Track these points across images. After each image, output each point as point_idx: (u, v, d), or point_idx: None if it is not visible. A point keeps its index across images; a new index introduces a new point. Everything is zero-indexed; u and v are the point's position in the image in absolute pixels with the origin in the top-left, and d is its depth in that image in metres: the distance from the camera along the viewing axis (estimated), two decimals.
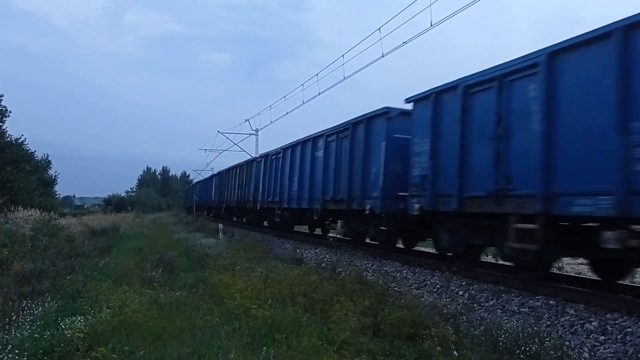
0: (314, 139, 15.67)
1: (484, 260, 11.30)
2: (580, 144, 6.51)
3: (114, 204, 69.63)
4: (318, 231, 18.93)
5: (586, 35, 6.48)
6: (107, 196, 79.06)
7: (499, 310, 6.95)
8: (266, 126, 51.73)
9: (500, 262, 9.71)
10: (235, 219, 31.98)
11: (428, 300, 7.74)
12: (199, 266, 11.40)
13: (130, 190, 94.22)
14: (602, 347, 5.39)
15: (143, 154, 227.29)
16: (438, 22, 12.52)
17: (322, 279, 8.62)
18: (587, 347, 5.49)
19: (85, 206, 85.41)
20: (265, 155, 21.55)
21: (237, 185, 26.93)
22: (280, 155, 19.01)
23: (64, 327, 5.42)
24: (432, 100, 9.50)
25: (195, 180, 64.54)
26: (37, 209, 23.46)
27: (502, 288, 7.68)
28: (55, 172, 44.61)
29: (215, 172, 37.85)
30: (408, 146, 10.47)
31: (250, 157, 24.76)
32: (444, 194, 9.01)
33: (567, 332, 5.89)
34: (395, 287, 8.70)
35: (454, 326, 5.99)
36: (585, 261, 13.32)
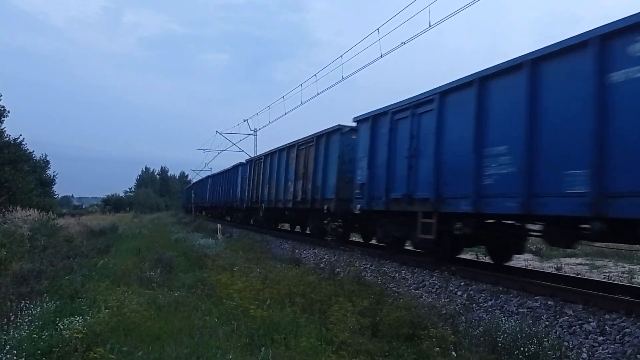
0: (607, 37, 6.04)
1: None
2: None
3: (112, 204, 69.53)
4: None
5: None
6: (105, 196, 79.01)
7: (498, 311, 6.95)
8: (265, 126, 51.87)
9: None
10: (277, 225, 22.42)
11: (427, 301, 7.74)
12: (197, 266, 11.39)
13: (128, 190, 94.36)
14: (601, 348, 5.40)
15: (141, 154, 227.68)
16: (437, 22, 12.49)
17: (320, 279, 8.61)
18: (585, 347, 5.49)
19: (83, 206, 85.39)
20: (374, 116, 11.51)
21: (293, 176, 17.10)
22: (433, 106, 9.24)
23: (62, 327, 5.41)
24: None
25: (193, 180, 64.00)
26: (35, 209, 23.50)
27: (500, 288, 7.68)
28: (54, 172, 44.76)
29: (244, 160, 27.10)
30: None
31: (326, 129, 14.64)
32: None
33: (565, 333, 5.90)
34: (393, 287, 8.71)
35: (453, 326, 5.99)
36: (584, 262, 13.40)
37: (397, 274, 9.86)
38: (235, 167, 28.23)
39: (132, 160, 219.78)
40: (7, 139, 30.04)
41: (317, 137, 15.46)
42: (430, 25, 12.76)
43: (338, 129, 14.15)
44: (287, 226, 22.98)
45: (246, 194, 24.07)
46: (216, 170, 40.25)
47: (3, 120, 29.84)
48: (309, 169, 15.73)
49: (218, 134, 41.75)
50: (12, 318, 5.87)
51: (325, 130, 14.91)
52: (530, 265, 12.27)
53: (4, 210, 22.42)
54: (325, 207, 14.00)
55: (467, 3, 11.60)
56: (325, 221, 13.08)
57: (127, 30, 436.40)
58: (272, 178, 19.74)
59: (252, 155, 33.52)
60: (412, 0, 12.75)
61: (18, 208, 22.37)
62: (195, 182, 54.72)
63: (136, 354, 4.85)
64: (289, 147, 18.15)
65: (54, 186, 45.19)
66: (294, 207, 17.03)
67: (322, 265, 11.61)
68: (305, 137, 16.49)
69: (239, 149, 42.66)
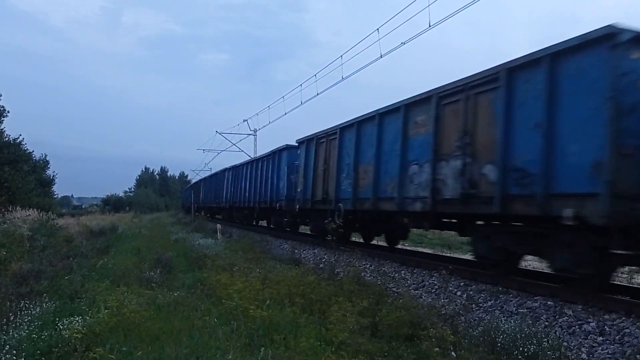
0: None
1: None
2: None
3: (112, 204, 69.60)
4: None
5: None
6: (105, 196, 79.11)
7: (497, 311, 6.95)
8: (264, 126, 51.58)
9: None
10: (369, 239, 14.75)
11: (426, 301, 7.75)
12: (197, 266, 11.37)
13: (128, 190, 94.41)
14: (600, 348, 5.40)
15: (141, 154, 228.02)
16: (436, 22, 12.40)
17: (320, 279, 8.61)
18: (585, 347, 5.50)
19: (83, 206, 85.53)
20: None
21: (430, 154, 9.33)
22: None
23: (61, 327, 5.41)
24: None
25: (193, 180, 63.63)
26: (35, 209, 23.49)
27: (500, 289, 7.69)
28: (54, 172, 44.89)
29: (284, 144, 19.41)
30: None
31: (554, 45, 6.74)
32: None
33: (565, 333, 5.90)
34: (393, 287, 8.71)
35: (452, 327, 5.99)
36: None
37: (396, 274, 9.87)
38: (276, 153, 20.24)
39: (132, 160, 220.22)
40: (6, 139, 30.09)
41: (510, 70, 7.54)
42: (430, 26, 12.70)
43: (607, 36, 6.14)
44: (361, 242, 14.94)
45: (299, 189, 16.23)
46: (216, 168, 38.76)
47: (3, 120, 29.94)
48: (483, 137, 8.08)
49: (218, 134, 41.70)
50: (12, 318, 5.87)
51: (544, 50, 6.96)
52: (529, 265, 12.26)
53: (3, 210, 22.43)
54: (570, 213, 6.42)
55: (467, 3, 11.57)
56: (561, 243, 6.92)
57: (126, 30, 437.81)
58: (363, 162, 12.13)
59: (253, 155, 33.14)
60: (412, 0, 12.75)
61: (18, 208, 22.38)
62: (205, 178, 45.64)
63: (136, 354, 4.84)
64: (407, 106, 10.29)
65: (54, 186, 45.34)
66: (434, 210, 9.20)
67: (321, 265, 11.61)
68: (456, 82, 8.77)
69: (238, 149, 42.60)
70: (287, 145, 18.99)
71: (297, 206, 16.46)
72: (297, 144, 17.28)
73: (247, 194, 24.73)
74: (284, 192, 18.34)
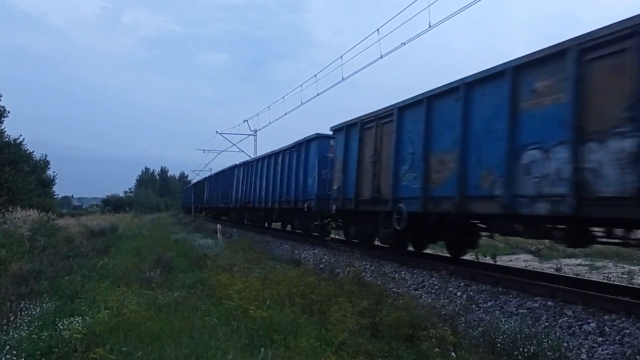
0: None
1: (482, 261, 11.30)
2: None
3: (112, 204, 69.58)
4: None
5: None
6: (105, 196, 79.03)
7: (497, 312, 6.95)
8: (265, 127, 51.52)
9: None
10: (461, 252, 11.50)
11: (426, 301, 7.75)
12: (197, 267, 11.39)
13: (128, 190, 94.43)
14: (600, 349, 5.40)
15: (141, 154, 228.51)
16: (436, 23, 12.41)
17: (320, 279, 8.62)
18: (585, 348, 5.49)
19: (83, 206, 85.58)
20: None
21: None
22: None
23: (61, 327, 5.42)
24: None
25: (194, 181, 63.42)
26: (35, 210, 23.51)
27: (500, 289, 7.69)
28: (54, 172, 44.92)
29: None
30: None
31: None
32: None
33: (565, 334, 5.90)
34: (393, 288, 8.72)
35: (452, 327, 5.99)
36: (583, 262, 13.40)
37: (396, 275, 9.87)
38: (302, 145, 17.13)
39: (132, 160, 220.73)
40: (7, 139, 30.12)
41: None
42: (430, 26, 12.69)
43: None
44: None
45: (337, 187, 13.45)
46: (216, 169, 37.77)
47: (3, 121, 29.97)
48: None
49: (218, 134, 41.65)
50: (12, 318, 5.87)
51: None
52: (529, 265, 12.27)
53: (4, 210, 22.43)
54: None
55: (467, 3, 11.57)
56: None
57: (126, 30, 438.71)
58: (437, 149, 9.41)
59: (253, 156, 33.02)
60: (412, 1, 12.76)
61: (18, 208, 22.39)
62: (210, 176, 41.62)
63: (136, 354, 4.84)
64: (516, 69, 7.56)
65: (54, 186, 45.37)
66: (579, 213, 6.44)
67: (321, 265, 11.61)
68: (614, 26, 6.06)
69: (238, 150, 42.52)
70: (317, 134, 16.18)
71: (334, 207, 13.50)
72: (330, 132, 14.30)
73: (263, 192, 21.69)
74: (314, 190, 15.47)
